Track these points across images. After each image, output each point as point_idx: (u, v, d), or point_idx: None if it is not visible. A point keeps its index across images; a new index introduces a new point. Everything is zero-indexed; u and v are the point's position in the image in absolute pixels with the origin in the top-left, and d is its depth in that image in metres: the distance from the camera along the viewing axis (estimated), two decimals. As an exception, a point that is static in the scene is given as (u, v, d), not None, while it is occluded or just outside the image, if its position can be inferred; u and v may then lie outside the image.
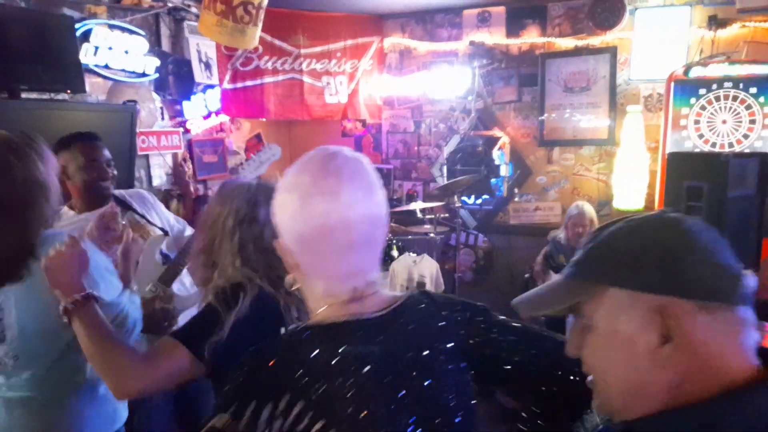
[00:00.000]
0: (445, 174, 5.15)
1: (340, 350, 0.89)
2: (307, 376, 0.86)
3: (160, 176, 4.18)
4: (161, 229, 2.40)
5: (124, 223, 2.28)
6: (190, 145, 4.45)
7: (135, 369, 1.31)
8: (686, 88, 3.88)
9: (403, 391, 0.90)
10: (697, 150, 3.86)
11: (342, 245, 0.90)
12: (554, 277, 3.91)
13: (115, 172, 2.38)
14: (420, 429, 0.90)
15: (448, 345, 0.98)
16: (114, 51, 3.67)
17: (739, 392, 0.67)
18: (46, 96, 3.26)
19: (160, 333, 2.11)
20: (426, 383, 0.93)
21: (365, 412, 0.85)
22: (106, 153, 2.35)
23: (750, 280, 0.71)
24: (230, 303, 1.34)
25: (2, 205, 1.44)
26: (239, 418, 0.83)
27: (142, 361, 1.33)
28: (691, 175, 3.35)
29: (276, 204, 0.96)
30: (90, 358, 1.37)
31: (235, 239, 1.39)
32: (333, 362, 0.87)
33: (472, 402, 1.00)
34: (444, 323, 1.00)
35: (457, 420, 0.95)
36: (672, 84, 3.89)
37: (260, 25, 2.81)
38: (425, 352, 0.95)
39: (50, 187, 1.51)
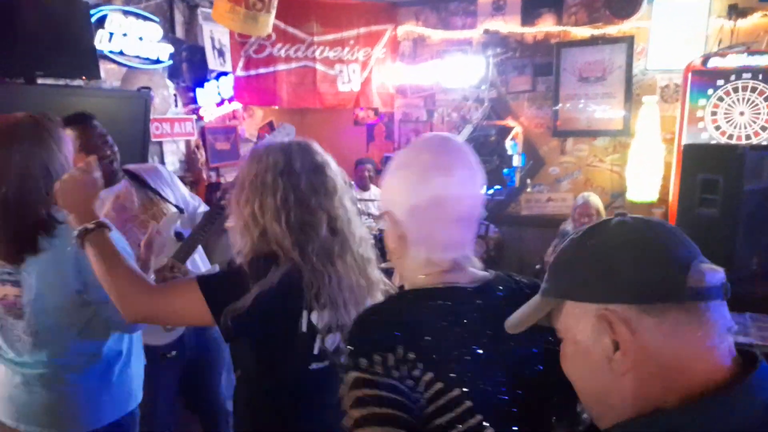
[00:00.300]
0: (457, 164, 5.13)
1: (440, 307, 0.99)
2: (414, 331, 0.96)
3: (173, 163, 4.21)
4: (176, 206, 2.41)
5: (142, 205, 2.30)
6: (203, 132, 4.47)
7: (147, 294, 1.35)
8: (704, 78, 3.82)
9: (498, 347, 0.99)
10: (713, 142, 3.80)
11: (451, 217, 1.02)
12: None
13: (116, 149, 2.31)
14: (510, 385, 0.99)
15: None
16: (128, 37, 3.68)
17: (705, 397, 0.64)
18: (61, 82, 3.28)
19: None
20: (516, 347, 1.00)
21: (467, 358, 0.96)
22: (99, 131, 2.29)
23: (707, 271, 0.67)
24: (260, 274, 1.33)
25: (20, 180, 1.48)
26: (371, 369, 0.92)
27: (155, 289, 1.39)
28: (707, 167, 3.31)
29: (389, 180, 1.06)
30: (102, 280, 1.38)
31: (278, 194, 1.37)
32: (435, 317, 0.98)
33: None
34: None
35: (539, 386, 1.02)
36: (689, 75, 3.83)
37: (273, 12, 2.80)
38: None
39: (64, 166, 1.55)
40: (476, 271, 1.09)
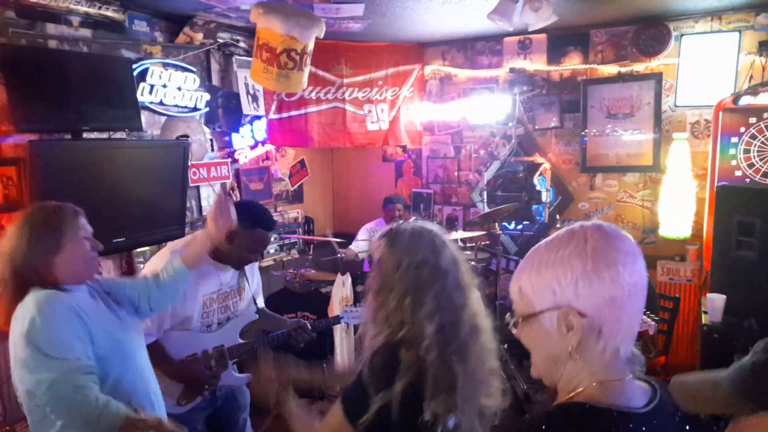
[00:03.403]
0: (485, 199, 5.16)
1: None
2: None
3: (209, 205, 4.34)
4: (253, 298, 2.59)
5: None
6: (237, 174, 4.60)
7: None
8: (735, 116, 3.79)
9: None
10: (747, 181, 3.76)
11: (640, 306, 0.97)
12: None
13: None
14: None
15: None
16: (168, 88, 3.85)
17: None
18: (105, 135, 3.43)
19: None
20: None
21: None
22: (270, 240, 2.54)
23: None
24: (386, 368, 1.33)
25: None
26: None
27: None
28: (743, 208, 3.28)
29: (577, 272, 0.95)
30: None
31: (432, 292, 1.37)
32: None
33: None
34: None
35: None
36: (720, 113, 3.82)
37: (306, 69, 2.90)
38: None
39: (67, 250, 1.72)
40: (640, 386, 1.00)
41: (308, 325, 2.60)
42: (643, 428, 0.91)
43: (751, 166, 3.78)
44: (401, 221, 1.52)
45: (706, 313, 3.31)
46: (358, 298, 4.14)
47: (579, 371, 0.97)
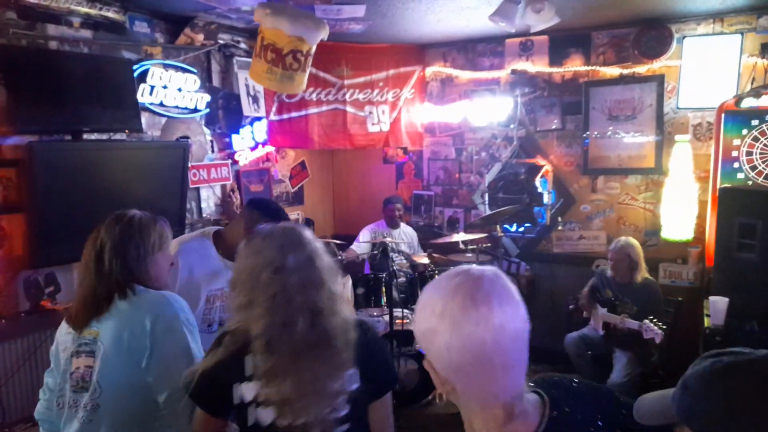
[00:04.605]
0: (486, 201, 5.14)
1: None
2: None
3: (209, 207, 4.33)
4: None
5: None
6: (237, 175, 4.59)
7: None
8: (737, 118, 3.78)
9: None
10: (750, 183, 3.75)
11: (498, 367, 0.93)
12: (600, 311, 3.85)
13: None
14: None
15: None
16: (168, 89, 3.84)
17: None
18: (105, 136, 3.42)
19: None
20: None
21: None
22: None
23: None
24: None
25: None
26: None
27: None
28: (745, 210, 3.27)
29: (423, 328, 0.98)
30: None
31: (268, 292, 1.44)
32: None
33: None
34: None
35: None
36: (722, 115, 3.80)
37: (308, 70, 2.90)
38: None
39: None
40: (531, 410, 1.02)
41: None
42: None
43: (753, 168, 3.77)
44: (270, 225, 1.57)
45: (708, 316, 3.29)
46: (359, 301, 4.13)
47: (462, 412, 1.01)
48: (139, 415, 1.62)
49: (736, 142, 3.79)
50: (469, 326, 0.91)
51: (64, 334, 1.73)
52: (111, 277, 1.66)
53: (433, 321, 0.95)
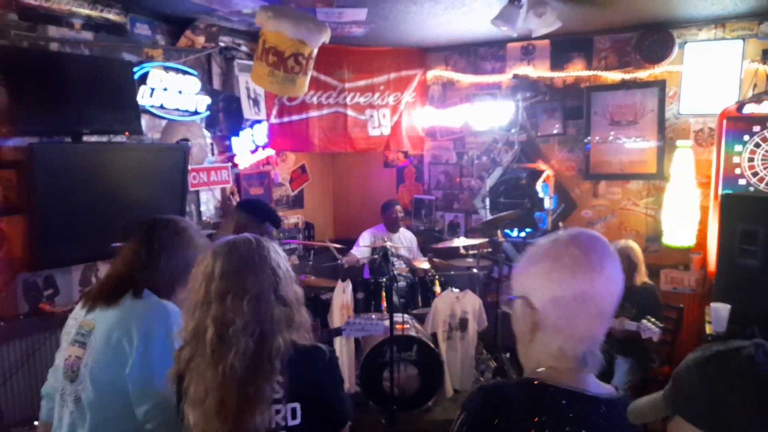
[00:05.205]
0: (487, 206, 5.13)
1: (556, 414, 1.00)
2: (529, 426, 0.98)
3: (209, 209, 4.32)
4: None
5: None
6: (237, 178, 4.58)
7: None
8: (739, 124, 3.77)
9: None
10: (751, 189, 3.73)
11: (593, 313, 1.05)
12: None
13: None
14: None
15: None
16: (169, 91, 3.83)
17: None
18: (104, 138, 3.41)
19: None
20: None
21: None
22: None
23: None
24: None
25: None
26: None
27: None
28: (747, 216, 3.25)
29: (531, 267, 1.09)
30: None
31: (194, 297, 1.42)
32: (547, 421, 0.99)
33: None
34: None
35: None
36: (724, 121, 3.79)
37: (310, 73, 2.89)
38: None
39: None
40: (599, 383, 1.08)
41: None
42: (589, 410, 1.01)
43: (755, 174, 3.76)
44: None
45: (710, 322, 3.28)
46: (358, 305, 4.11)
47: (536, 354, 1.09)
48: (115, 420, 1.60)
49: (738, 148, 3.78)
50: (584, 267, 1.03)
51: (73, 317, 1.75)
52: (150, 272, 1.68)
53: (547, 263, 1.07)
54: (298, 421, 1.37)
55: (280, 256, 1.47)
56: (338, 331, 2.81)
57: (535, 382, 1.04)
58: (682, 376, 0.82)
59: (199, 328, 1.37)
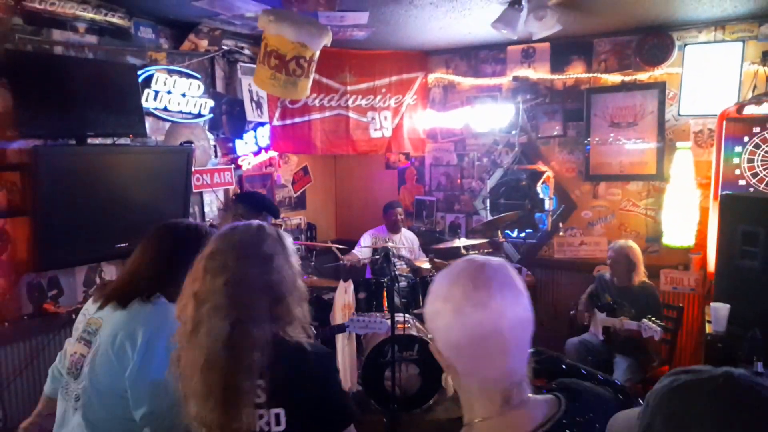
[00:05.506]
0: (488, 207, 5.16)
1: None
2: None
3: (212, 211, 4.35)
4: None
5: None
6: (240, 180, 4.61)
7: None
8: (739, 126, 3.79)
9: None
10: (751, 190, 3.75)
11: (495, 351, 0.95)
12: (599, 316, 3.85)
13: None
14: None
15: None
16: (172, 94, 3.87)
17: None
18: (109, 141, 3.44)
19: None
20: None
21: None
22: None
23: None
24: None
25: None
26: None
27: None
28: (747, 218, 3.28)
29: (428, 308, 1.02)
30: None
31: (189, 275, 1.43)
32: None
33: None
34: None
35: None
36: (724, 122, 3.81)
37: (312, 76, 2.92)
38: None
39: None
40: (534, 405, 1.00)
41: (312, 330, 2.58)
42: None
43: (755, 175, 3.77)
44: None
45: (710, 322, 3.30)
46: (360, 305, 4.13)
47: (466, 400, 1.02)
48: (114, 420, 1.60)
49: (738, 149, 3.80)
50: (468, 308, 0.94)
51: (83, 311, 1.76)
52: (168, 278, 1.67)
53: (437, 304, 0.99)
54: (282, 427, 1.32)
55: (283, 248, 1.42)
56: (342, 328, 2.84)
57: None
58: (650, 405, 0.81)
59: (187, 305, 1.36)
